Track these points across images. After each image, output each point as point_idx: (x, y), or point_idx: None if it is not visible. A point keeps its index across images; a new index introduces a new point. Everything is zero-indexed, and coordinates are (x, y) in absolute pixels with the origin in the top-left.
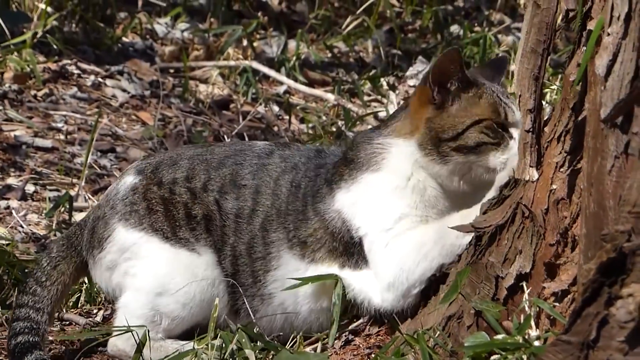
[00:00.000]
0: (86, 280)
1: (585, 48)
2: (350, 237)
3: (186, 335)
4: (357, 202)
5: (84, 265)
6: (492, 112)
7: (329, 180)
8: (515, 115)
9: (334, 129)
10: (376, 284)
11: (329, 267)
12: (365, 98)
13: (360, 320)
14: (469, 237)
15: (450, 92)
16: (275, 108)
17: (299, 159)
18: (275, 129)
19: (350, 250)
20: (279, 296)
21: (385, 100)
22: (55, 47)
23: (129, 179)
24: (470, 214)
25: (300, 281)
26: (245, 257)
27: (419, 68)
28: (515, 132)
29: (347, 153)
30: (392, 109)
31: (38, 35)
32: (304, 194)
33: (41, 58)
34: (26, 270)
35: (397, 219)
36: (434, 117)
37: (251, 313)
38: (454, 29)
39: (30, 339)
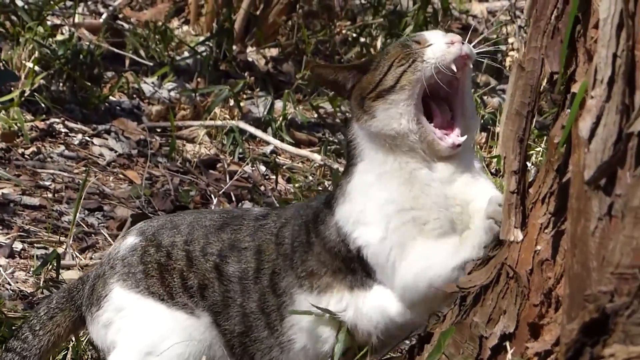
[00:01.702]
0: (74, 339)
1: (569, 110)
2: (347, 250)
3: None
4: (349, 211)
5: (81, 320)
6: (401, 48)
7: (328, 201)
8: (428, 35)
9: (321, 189)
10: (391, 296)
11: (339, 293)
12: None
13: None
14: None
15: (353, 84)
16: (262, 168)
17: (296, 209)
18: (262, 188)
19: (352, 266)
20: (299, 341)
21: None
22: (42, 105)
23: (130, 240)
24: (468, 237)
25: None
26: (257, 313)
27: None
28: (434, 36)
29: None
30: None
31: (26, 94)
32: (305, 223)
33: (29, 116)
34: (13, 328)
35: (386, 224)
36: (356, 88)
37: None
38: None
39: None
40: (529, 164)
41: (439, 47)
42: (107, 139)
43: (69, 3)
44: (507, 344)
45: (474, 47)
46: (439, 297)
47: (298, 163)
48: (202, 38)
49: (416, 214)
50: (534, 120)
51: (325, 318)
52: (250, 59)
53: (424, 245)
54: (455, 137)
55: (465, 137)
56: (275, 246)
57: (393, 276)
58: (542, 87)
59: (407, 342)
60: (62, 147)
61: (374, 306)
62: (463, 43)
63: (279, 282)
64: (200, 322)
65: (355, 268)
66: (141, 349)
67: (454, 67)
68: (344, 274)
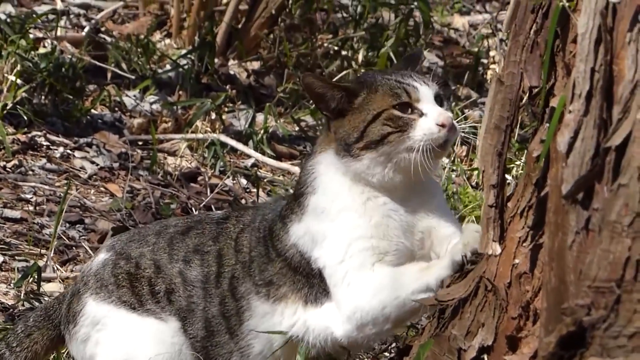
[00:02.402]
0: (55, 354)
1: (548, 125)
2: (310, 268)
3: None
4: (308, 232)
5: (58, 339)
6: (391, 97)
7: (282, 217)
8: (420, 90)
9: None
10: (338, 316)
11: (293, 305)
12: None
13: None
14: (424, 295)
15: (338, 108)
16: (243, 181)
17: (253, 213)
18: (243, 201)
19: (312, 281)
20: (256, 346)
21: None
22: (24, 118)
23: (101, 256)
24: (428, 268)
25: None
26: (219, 317)
27: None
28: (425, 105)
29: (295, 187)
30: None
31: (8, 107)
32: (263, 237)
33: (10, 129)
34: None
35: (346, 247)
36: (336, 129)
37: None
38: None
39: None
40: (509, 178)
41: (429, 128)
42: (88, 152)
43: (51, 16)
44: (486, 356)
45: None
46: (390, 320)
47: (279, 176)
48: (184, 51)
49: (376, 242)
50: (515, 133)
51: (283, 315)
52: (232, 72)
53: (382, 271)
54: None
55: None
56: (235, 252)
57: (347, 297)
58: (521, 100)
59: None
60: (44, 160)
61: (320, 324)
62: (453, 124)
63: (238, 287)
64: (169, 326)
65: (314, 284)
66: (118, 358)
67: (438, 149)
68: (302, 286)
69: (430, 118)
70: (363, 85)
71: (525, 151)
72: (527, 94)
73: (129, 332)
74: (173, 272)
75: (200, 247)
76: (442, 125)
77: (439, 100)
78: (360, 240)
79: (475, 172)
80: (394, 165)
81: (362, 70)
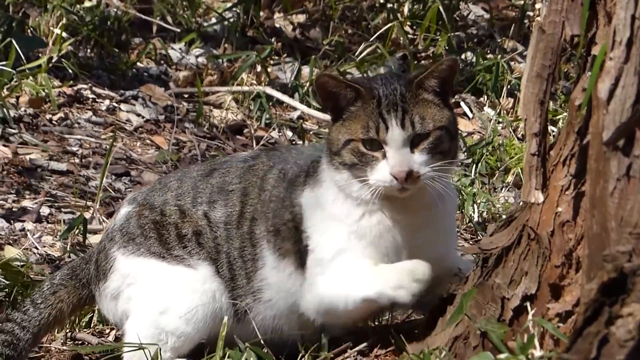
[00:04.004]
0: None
1: (590, 73)
2: (300, 237)
3: (195, 355)
4: (313, 207)
5: (84, 299)
6: (362, 129)
7: (307, 172)
8: (390, 131)
9: None
10: (307, 291)
11: (292, 265)
12: None
13: (364, 344)
14: (385, 301)
15: (342, 108)
16: (289, 133)
17: (288, 152)
18: None
19: (300, 247)
20: (266, 293)
21: None
22: (70, 71)
23: (124, 210)
24: (398, 268)
25: None
26: (239, 260)
27: None
28: (389, 149)
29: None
30: None
31: (53, 60)
32: (288, 181)
33: (56, 82)
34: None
35: (333, 254)
36: (330, 130)
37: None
38: (467, 56)
39: (7, 352)
40: (554, 129)
41: (383, 176)
42: (134, 105)
43: None
44: (529, 305)
45: None
46: (351, 315)
47: (325, 128)
48: (229, 4)
49: (361, 259)
50: (560, 85)
51: (290, 277)
52: (277, 25)
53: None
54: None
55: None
56: (259, 190)
57: (314, 288)
58: (564, 49)
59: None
60: (90, 113)
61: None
62: (410, 175)
63: (255, 230)
64: (199, 273)
65: (301, 251)
66: (153, 310)
67: (395, 192)
68: (298, 247)
69: (387, 165)
70: (366, 94)
71: None
72: (569, 43)
73: (160, 283)
74: (198, 215)
75: (225, 186)
76: (396, 178)
77: (424, 143)
78: (346, 254)
79: (521, 124)
80: (367, 188)
81: (408, 24)
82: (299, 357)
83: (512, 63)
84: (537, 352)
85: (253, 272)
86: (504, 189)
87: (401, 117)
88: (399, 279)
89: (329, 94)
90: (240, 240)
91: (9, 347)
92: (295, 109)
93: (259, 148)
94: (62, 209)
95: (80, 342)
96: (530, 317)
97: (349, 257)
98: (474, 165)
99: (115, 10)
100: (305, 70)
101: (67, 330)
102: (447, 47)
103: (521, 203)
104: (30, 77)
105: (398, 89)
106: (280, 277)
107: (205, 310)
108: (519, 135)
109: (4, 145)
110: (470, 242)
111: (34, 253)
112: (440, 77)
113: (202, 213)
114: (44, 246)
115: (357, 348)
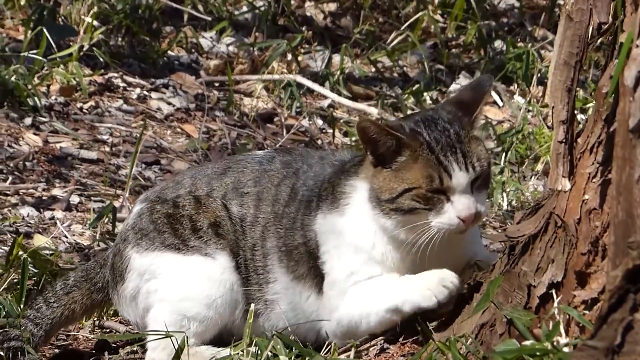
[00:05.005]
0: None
1: (617, 60)
2: (317, 263)
3: (219, 343)
4: (327, 233)
5: (98, 302)
6: (425, 179)
7: (319, 196)
8: (454, 177)
9: None
10: (325, 315)
11: (310, 289)
12: (409, 112)
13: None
14: (409, 309)
15: (383, 154)
16: (319, 122)
17: (301, 164)
18: (319, 142)
19: (317, 273)
20: (280, 305)
21: None
22: (101, 60)
23: (136, 208)
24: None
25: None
26: (251, 262)
27: (463, 83)
28: (453, 195)
29: (333, 178)
30: None
31: (84, 49)
32: (299, 201)
33: (87, 71)
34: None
35: (349, 274)
36: (373, 177)
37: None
38: (498, 44)
39: (23, 346)
40: (582, 117)
41: (450, 219)
42: (165, 93)
43: None
44: (555, 292)
45: None
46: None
47: (355, 117)
48: None
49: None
50: (591, 73)
51: (308, 301)
52: (308, 14)
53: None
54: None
55: None
56: (272, 201)
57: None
58: (591, 37)
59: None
60: (120, 101)
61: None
62: (477, 215)
63: (266, 240)
64: (217, 262)
65: (318, 276)
66: (173, 298)
67: (456, 233)
68: (316, 274)
69: (454, 209)
70: (410, 142)
71: None
72: (596, 30)
73: (177, 273)
74: (216, 206)
75: (240, 186)
76: (463, 221)
77: (479, 180)
78: (361, 274)
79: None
80: (420, 232)
81: (439, 13)
82: (326, 345)
83: (542, 51)
84: (563, 339)
85: (265, 283)
86: (533, 177)
87: (463, 161)
88: (426, 284)
89: (369, 139)
90: (253, 242)
91: (23, 342)
92: (325, 97)
93: (272, 149)
94: (92, 198)
95: (108, 330)
96: (556, 304)
97: (366, 276)
98: (504, 154)
99: None
100: (336, 58)
101: (95, 319)
102: (477, 36)
103: (548, 191)
104: (61, 66)
105: (450, 129)
106: (297, 300)
107: (224, 299)
108: (549, 124)
109: (35, 134)
110: (499, 231)
111: (63, 242)
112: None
113: (221, 204)
114: (74, 235)
115: (383, 336)
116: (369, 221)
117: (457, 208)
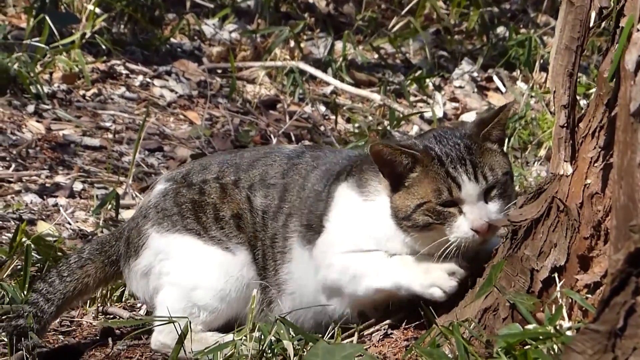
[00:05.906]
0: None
1: (618, 45)
2: (322, 220)
3: (225, 329)
4: (345, 204)
5: (111, 275)
6: (434, 192)
7: (349, 170)
8: (464, 188)
9: (380, 129)
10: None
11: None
12: (411, 98)
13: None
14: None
15: (399, 174)
16: (322, 108)
17: (332, 158)
18: (322, 128)
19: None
20: (290, 285)
21: (430, 101)
22: (103, 47)
23: (159, 187)
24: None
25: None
26: (270, 250)
27: (465, 69)
28: (465, 206)
29: (365, 161)
30: (437, 109)
31: (87, 36)
32: (329, 177)
33: (90, 58)
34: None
35: (349, 241)
36: (391, 196)
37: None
38: (500, 30)
39: (31, 325)
40: (586, 103)
41: (464, 232)
42: (167, 80)
43: None
44: (557, 276)
45: None
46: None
47: (358, 103)
48: None
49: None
50: (594, 58)
51: (312, 271)
52: (310, 1)
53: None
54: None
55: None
56: (299, 189)
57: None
58: (595, 23)
59: None
60: (123, 89)
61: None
62: (490, 225)
63: (289, 224)
64: (236, 258)
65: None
66: (186, 285)
67: (475, 244)
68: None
69: (467, 221)
70: (423, 158)
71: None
72: (597, 15)
73: (194, 259)
74: (241, 198)
75: (267, 178)
76: (477, 232)
77: (494, 190)
78: (365, 254)
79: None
80: (440, 244)
81: None
82: (329, 329)
83: (544, 38)
84: (566, 323)
85: (281, 264)
86: (536, 162)
87: (472, 172)
88: (432, 280)
89: (385, 162)
90: (274, 232)
91: (33, 319)
92: (328, 83)
93: (302, 145)
94: (95, 185)
95: (111, 316)
96: (558, 288)
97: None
98: (507, 140)
99: None
100: (339, 45)
101: (99, 305)
102: (479, 22)
103: (550, 175)
104: (64, 53)
105: (461, 143)
106: (304, 268)
107: (239, 294)
108: (552, 110)
109: (38, 121)
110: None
111: (67, 228)
112: (502, 124)
113: (246, 195)
114: (77, 221)
115: (386, 321)
116: (393, 225)
117: (469, 219)
